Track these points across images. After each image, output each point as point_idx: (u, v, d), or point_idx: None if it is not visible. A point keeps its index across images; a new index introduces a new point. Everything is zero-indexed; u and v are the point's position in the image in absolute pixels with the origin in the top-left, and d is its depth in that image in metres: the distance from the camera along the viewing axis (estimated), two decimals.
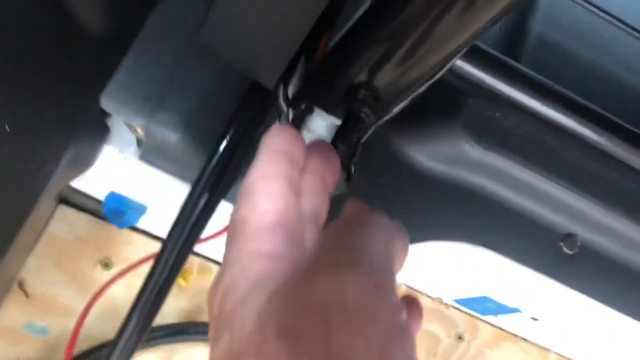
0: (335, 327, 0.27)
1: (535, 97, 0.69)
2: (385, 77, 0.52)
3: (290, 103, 0.61)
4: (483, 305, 0.95)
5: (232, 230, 0.38)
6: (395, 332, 0.29)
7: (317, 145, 0.46)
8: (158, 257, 0.60)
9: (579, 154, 0.72)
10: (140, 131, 0.59)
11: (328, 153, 0.46)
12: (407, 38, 0.47)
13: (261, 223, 0.36)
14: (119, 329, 0.58)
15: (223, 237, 0.69)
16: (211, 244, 0.71)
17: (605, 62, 0.75)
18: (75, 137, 0.55)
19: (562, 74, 0.72)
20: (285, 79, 0.59)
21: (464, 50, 0.49)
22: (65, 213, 0.85)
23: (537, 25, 0.73)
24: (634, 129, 0.72)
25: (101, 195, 0.80)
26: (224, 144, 0.59)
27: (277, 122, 0.64)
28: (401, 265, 0.39)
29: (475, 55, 0.68)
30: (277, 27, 0.48)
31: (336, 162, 0.48)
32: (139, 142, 0.63)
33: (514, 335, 1.07)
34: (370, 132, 0.64)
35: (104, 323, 0.83)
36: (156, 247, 0.59)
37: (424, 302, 1.02)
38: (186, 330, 0.87)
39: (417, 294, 1.01)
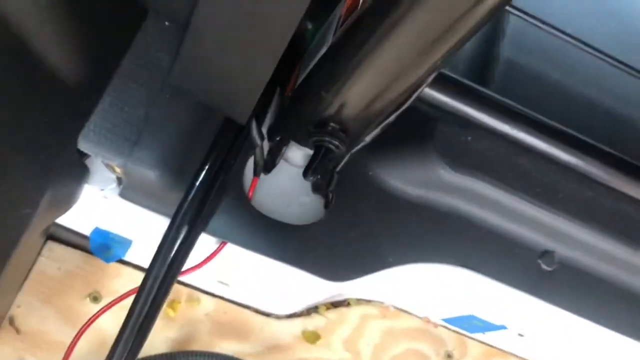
0: None
1: (504, 121, 0.71)
2: (350, 110, 0.54)
3: (263, 137, 0.63)
4: (470, 323, 0.96)
5: None
6: None
7: None
8: (140, 290, 0.61)
9: (551, 173, 0.74)
10: (119, 170, 0.61)
11: None
12: (367, 73, 0.49)
13: None
14: None
15: (208, 267, 0.71)
16: (198, 274, 0.73)
17: (571, 83, 0.77)
18: (54, 178, 0.57)
19: (531, 97, 0.75)
20: (257, 115, 0.61)
21: (424, 84, 0.51)
22: (53, 249, 0.86)
23: (505, 50, 0.76)
24: (603, 147, 0.75)
25: (87, 231, 0.82)
26: (200, 178, 0.61)
27: (252, 155, 0.67)
28: None
29: (444, 83, 0.70)
30: (243, 67, 0.50)
31: None
32: (119, 180, 0.65)
33: (503, 351, 1.07)
34: (345, 160, 0.67)
35: (93, 356, 0.84)
36: (142, 277, 0.60)
37: (412, 322, 1.03)
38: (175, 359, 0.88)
39: (405, 314, 1.02)
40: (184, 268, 0.63)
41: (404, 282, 0.86)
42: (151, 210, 0.65)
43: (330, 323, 0.99)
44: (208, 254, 0.70)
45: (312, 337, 0.96)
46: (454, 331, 1.05)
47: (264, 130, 0.65)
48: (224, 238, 0.66)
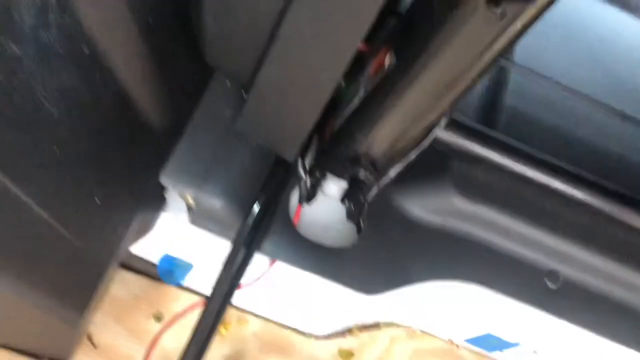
0: None
1: (509, 157, 0.84)
2: (378, 148, 0.67)
3: (307, 172, 0.77)
4: (488, 342, 1.06)
5: None
6: None
7: None
8: (206, 306, 0.74)
9: (551, 202, 0.86)
10: (191, 200, 0.75)
11: None
12: (392, 118, 0.63)
13: None
14: None
15: (257, 289, 0.84)
16: (247, 296, 0.85)
17: (565, 124, 0.90)
18: (142, 206, 0.71)
19: (531, 137, 0.87)
20: (302, 154, 0.75)
21: (436, 127, 0.64)
22: (122, 275, 1.00)
23: (508, 99, 0.89)
24: (595, 178, 0.87)
25: (153, 258, 0.96)
26: (256, 206, 0.75)
27: (297, 187, 0.80)
28: None
29: (457, 127, 0.83)
30: (293, 119, 0.64)
31: None
32: (190, 209, 0.78)
33: None
34: (373, 193, 0.80)
35: None
36: (197, 300, 0.73)
37: (437, 343, 1.14)
38: None
39: (430, 336, 1.14)
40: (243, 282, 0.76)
41: (426, 303, 0.97)
42: (215, 234, 0.79)
43: (363, 343, 1.10)
44: (260, 273, 0.84)
45: (347, 355, 1.08)
46: (475, 352, 1.15)
47: (307, 166, 0.78)
48: (273, 257, 0.79)
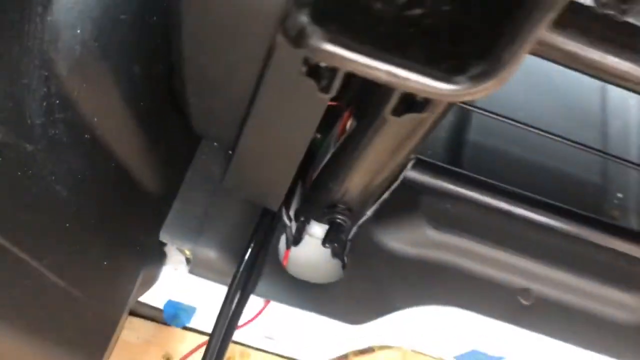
0: None
1: (474, 190, 0.93)
2: (351, 195, 0.76)
3: (291, 218, 0.86)
4: (475, 358, 1.14)
5: None
6: None
7: None
8: (207, 347, 0.82)
9: (518, 227, 0.94)
10: (188, 253, 0.83)
11: None
12: (359, 169, 0.72)
13: None
14: None
15: (256, 324, 0.92)
16: (247, 332, 0.93)
17: (527, 155, 0.99)
18: (145, 263, 0.79)
19: (494, 169, 0.96)
20: (286, 204, 0.83)
21: (400, 173, 0.73)
22: (132, 321, 1.08)
23: (471, 136, 0.98)
24: (556, 203, 0.95)
25: (159, 304, 1.04)
26: (248, 254, 0.83)
27: (284, 233, 0.89)
28: None
29: (424, 166, 0.92)
30: (272, 176, 0.73)
31: None
32: (188, 260, 0.87)
33: None
34: (354, 231, 0.88)
35: None
36: (203, 339, 0.81)
37: None
38: None
39: (422, 355, 1.21)
40: (241, 322, 0.84)
41: (413, 326, 1.05)
42: (212, 281, 0.87)
43: None
44: (257, 311, 0.92)
45: None
46: None
47: (292, 213, 0.87)
48: (267, 297, 0.87)
